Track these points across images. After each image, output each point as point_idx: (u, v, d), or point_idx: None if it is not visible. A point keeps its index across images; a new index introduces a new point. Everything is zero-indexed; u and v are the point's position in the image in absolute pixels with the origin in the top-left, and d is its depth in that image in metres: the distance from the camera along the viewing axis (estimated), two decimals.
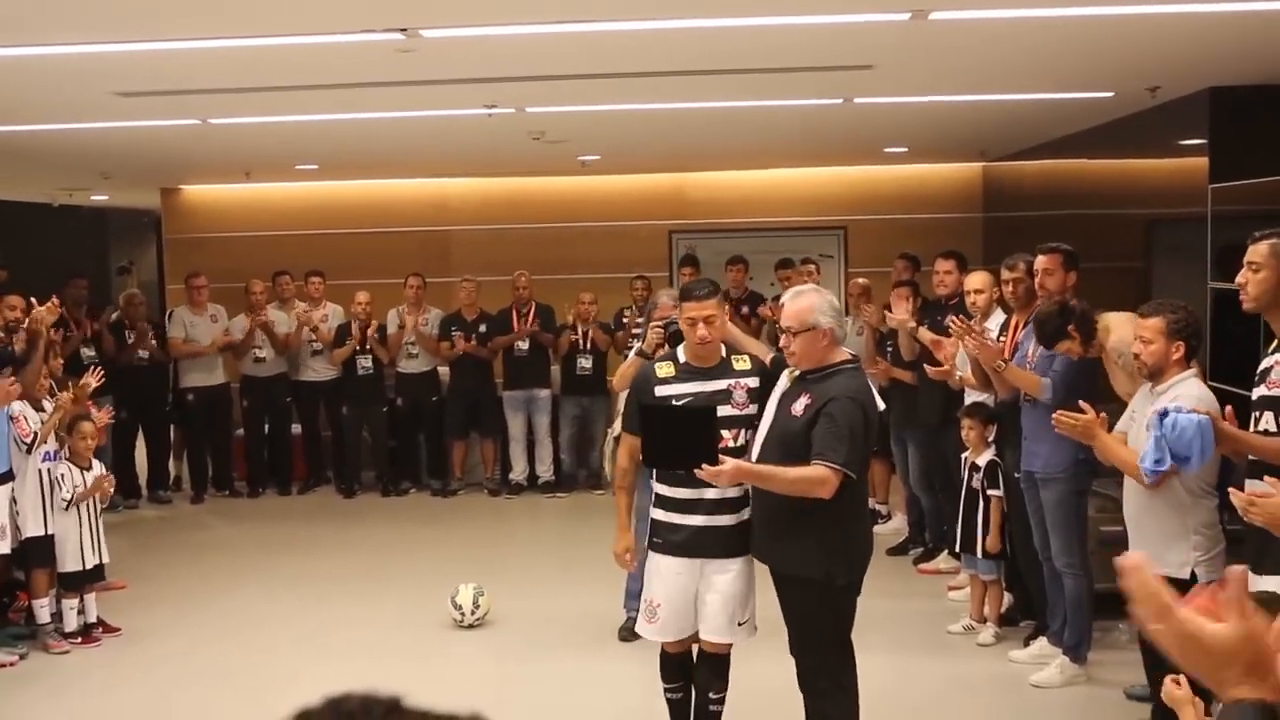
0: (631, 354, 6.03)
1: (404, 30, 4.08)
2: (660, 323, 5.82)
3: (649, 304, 6.24)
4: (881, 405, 4.79)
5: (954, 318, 6.09)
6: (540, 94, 5.98)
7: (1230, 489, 3.95)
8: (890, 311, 7.63)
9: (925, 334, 6.99)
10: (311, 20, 4.00)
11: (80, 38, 4.46)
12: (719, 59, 5.06)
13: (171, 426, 10.52)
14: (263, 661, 6.23)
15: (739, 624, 4.37)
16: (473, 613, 6.49)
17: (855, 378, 4.10)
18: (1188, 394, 4.37)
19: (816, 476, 3.90)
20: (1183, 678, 3.52)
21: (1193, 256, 6.41)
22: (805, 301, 4.11)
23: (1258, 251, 4.11)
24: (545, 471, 10.30)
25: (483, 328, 10.09)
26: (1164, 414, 4.23)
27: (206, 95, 5.59)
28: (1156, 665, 4.49)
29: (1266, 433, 4.05)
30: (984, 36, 4.73)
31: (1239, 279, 4.19)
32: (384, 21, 4.00)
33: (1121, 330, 5.08)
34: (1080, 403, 4.64)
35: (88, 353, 9.56)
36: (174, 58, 4.65)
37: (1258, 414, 4.10)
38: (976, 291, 6.62)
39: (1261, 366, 4.12)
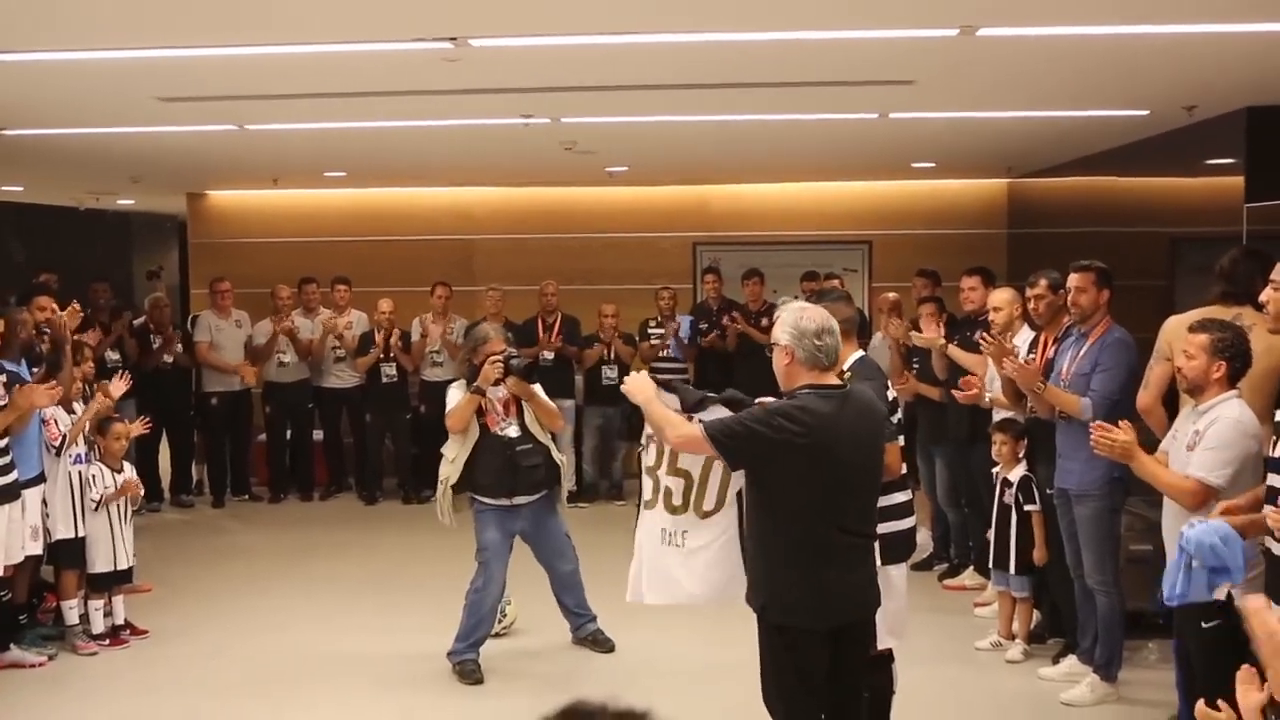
0: (457, 390, 6.03)
1: (454, 39, 4.10)
2: (499, 357, 5.86)
3: (473, 337, 6.20)
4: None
5: (985, 336, 6.08)
6: (577, 104, 6.00)
7: (1268, 508, 3.92)
8: (918, 329, 7.64)
9: (956, 352, 6.98)
10: (362, 28, 4.03)
11: (127, 42, 4.49)
12: (761, 72, 5.07)
13: (194, 431, 10.55)
14: (290, 665, 6.25)
15: None
16: (499, 621, 6.49)
17: (807, 399, 3.77)
18: (1228, 415, 4.36)
19: (675, 422, 3.94)
20: (1222, 703, 3.52)
21: None
22: (779, 317, 4.01)
23: None
24: (568, 482, 10.27)
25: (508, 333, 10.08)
26: (1181, 542, 3.93)
27: (247, 101, 5.63)
28: (1190, 687, 4.48)
29: None
30: (1026, 53, 4.74)
31: (1263, 298, 4.18)
32: (434, 30, 4.02)
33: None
34: (1121, 422, 4.62)
35: (112, 356, 9.62)
36: (219, 63, 4.68)
37: (1276, 438, 4.07)
38: (996, 309, 6.61)
39: None
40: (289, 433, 10.60)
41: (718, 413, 4.15)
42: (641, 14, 4.02)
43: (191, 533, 9.54)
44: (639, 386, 4.13)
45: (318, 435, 10.68)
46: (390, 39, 4.13)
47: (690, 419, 4.06)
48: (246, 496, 10.55)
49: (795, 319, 3.85)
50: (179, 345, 10.14)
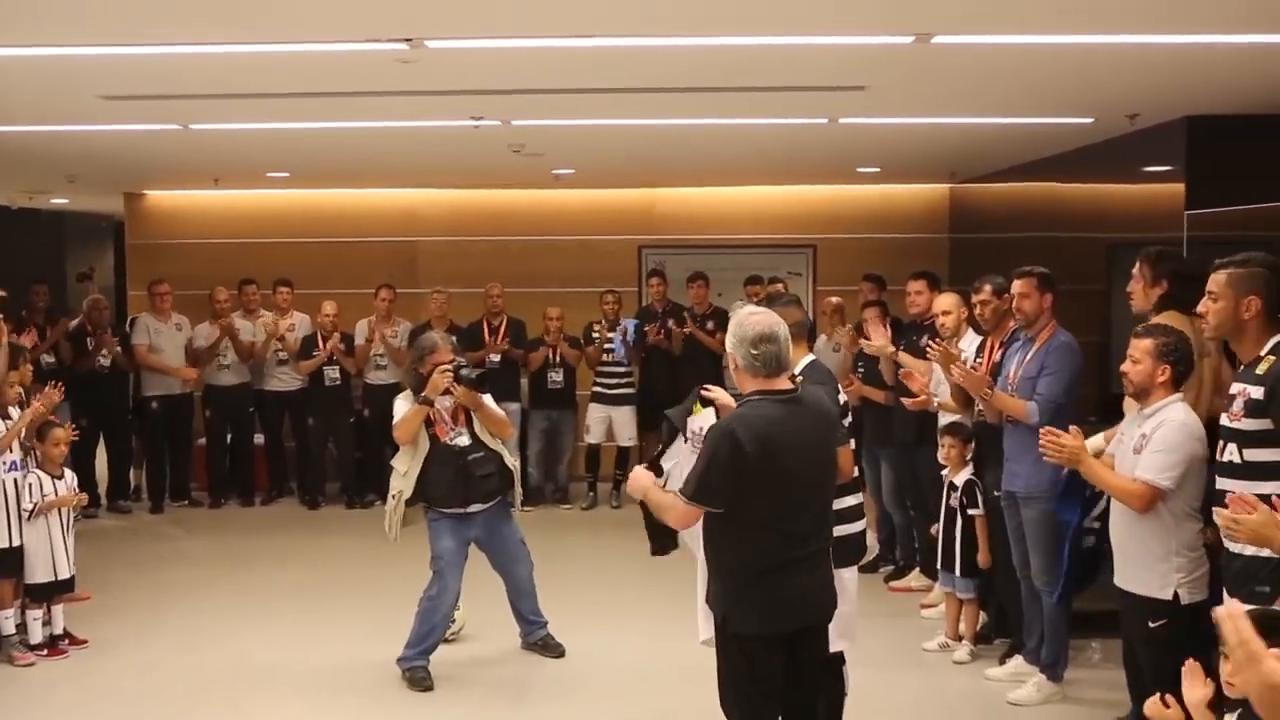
0: (404, 400, 6.00)
1: (409, 41, 4.07)
2: (448, 367, 5.84)
3: (419, 346, 6.17)
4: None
5: (932, 344, 6.15)
6: (528, 107, 5.97)
7: (1215, 509, 3.99)
8: (862, 332, 7.71)
9: (905, 358, 7.04)
10: (317, 28, 3.98)
11: (71, 39, 4.39)
12: (716, 77, 5.08)
13: (133, 435, 10.37)
14: (234, 675, 6.15)
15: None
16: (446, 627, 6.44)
17: (753, 407, 3.81)
18: (1174, 418, 4.44)
19: (668, 503, 3.95)
20: (1170, 698, 3.58)
21: None
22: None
23: (1216, 281, 4.19)
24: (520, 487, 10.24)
25: (455, 339, 10.03)
26: None
27: (193, 100, 5.54)
28: (1139, 687, 4.56)
29: (1230, 464, 4.11)
30: (978, 60, 4.80)
31: (1200, 308, 4.27)
32: (390, 31, 3.98)
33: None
34: (1071, 427, 4.69)
35: (48, 359, 9.45)
36: (168, 62, 4.60)
37: (1222, 443, 4.16)
38: (944, 313, 6.68)
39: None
40: (229, 437, 10.46)
41: (675, 455, 4.22)
42: (599, 18, 4.02)
43: (130, 539, 9.38)
44: (637, 484, 4.12)
45: (259, 439, 10.55)
46: (345, 39, 4.09)
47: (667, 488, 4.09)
48: (186, 502, 10.41)
49: (738, 326, 3.87)
50: (118, 347, 9.97)
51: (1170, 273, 5.10)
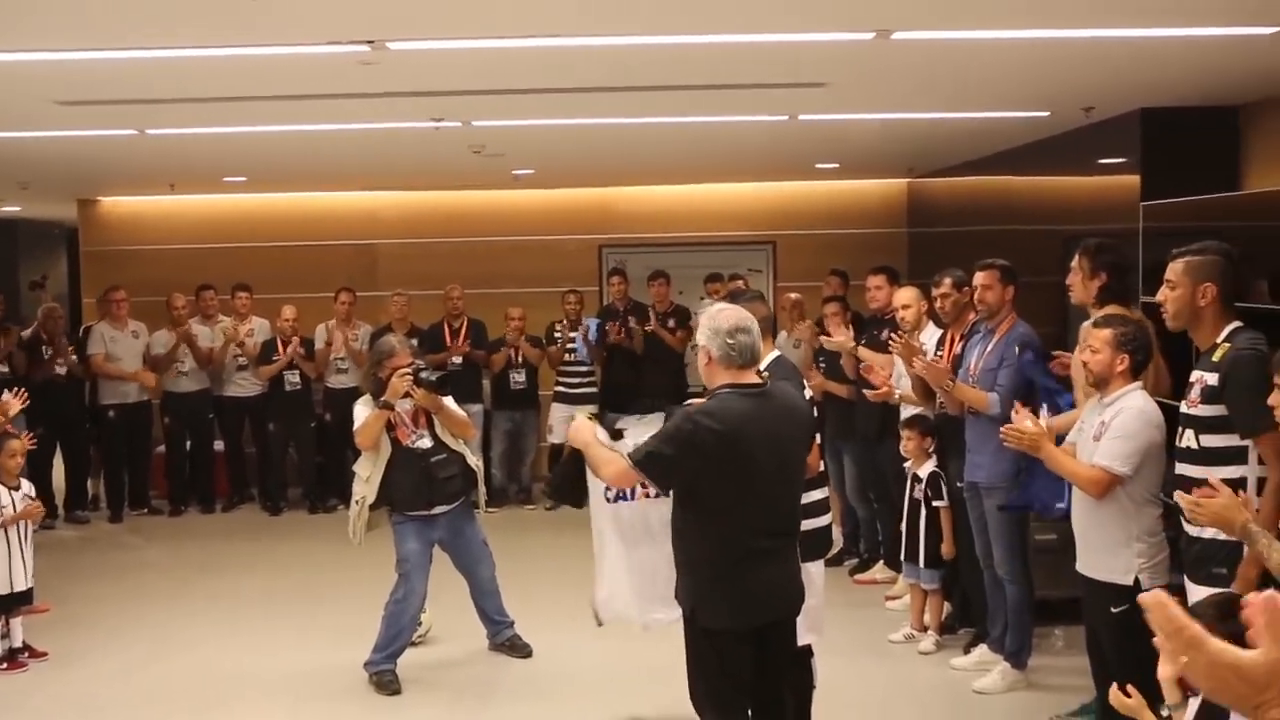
0: (363, 406, 6.00)
1: (371, 43, 4.05)
2: (408, 370, 5.85)
3: (378, 351, 6.17)
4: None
5: (893, 337, 6.20)
6: (489, 108, 5.96)
7: (1177, 493, 4.06)
8: (823, 328, 7.76)
9: (866, 353, 7.09)
10: (278, 31, 3.95)
11: (26, 44, 4.34)
12: (677, 75, 5.10)
13: (90, 444, 10.25)
14: (198, 685, 6.10)
15: None
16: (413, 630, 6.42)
17: (722, 400, 3.83)
18: (1133, 405, 4.50)
19: (608, 458, 3.99)
20: (1131, 687, 3.63)
21: None
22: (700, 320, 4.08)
23: (1174, 269, 4.26)
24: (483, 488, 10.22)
25: (415, 342, 9.99)
26: None
27: (151, 105, 5.48)
28: (1103, 674, 4.62)
29: (1189, 450, 4.19)
30: (937, 55, 4.84)
31: (1159, 296, 4.34)
32: (352, 33, 3.97)
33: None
34: (1029, 416, 4.74)
35: (1, 370, 9.32)
36: (125, 66, 4.55)
37: (1181, 430, 4.23)
38: (904, 307, 6.74)
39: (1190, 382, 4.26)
40: (189, 444, 10.37)
41: (644, 434, 4.23)
42: (560, 18, 4.02)
43: (90, 549, 9.27)
44: (579, 432, 4.14)
45: (219, 446, 10.46)
46: (306, 42, 4.07)
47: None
48: (145, 510, 10.29)
49: (711, 318, 3.92)
50: (73, 355, 9.85)
51: (1109, 265, 5.17)
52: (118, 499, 10.16)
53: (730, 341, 3.82)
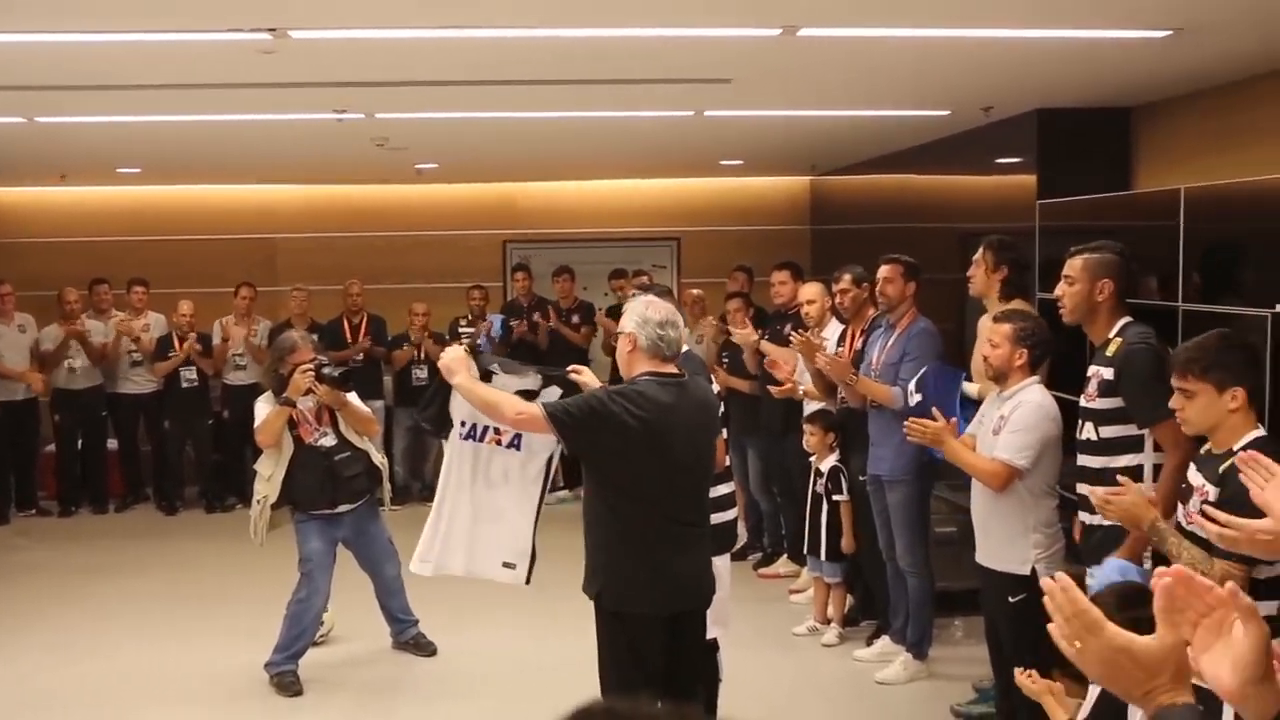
0: (265, 403, 5.93)
1: (272, 30, 3.97)
2: (310, 366, 5.80)
3: (279, 347, 6.11)
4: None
5: (796, 334, 6.27)
6: (392, 100, 5.88)
7: (1087, 486, 4.16)
8: (726, 323, 7.82)
9: (769, 347, 7.15)
10: (175, 17, 3.84)
11: None
12: (580, 69, 5.08)
13: None
14: (93, 690, 5.94)
15: None
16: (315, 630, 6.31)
17: (644, 385, 3.86)
18: (1031, 400, 4.60)
19: (518, 401, 3.98)
20: (1033, 671, 3.72)
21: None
22: (627, 309, 4.11)
23: (1072, 266, 4.39)
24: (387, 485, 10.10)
25: (315, 338, 9.84)
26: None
27: (39, 92, 5.30)
28: (1001, 661, 4.72)
29: (1088, 441, 4.31)
30: (840, 53, 4.89)
31: (1057, 292, 4.46)
32: (253, 21, 3.88)
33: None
34: (934, 410, 4.83)
35: None
36: (12, 51, 4.40)
37: (1080, 422, 4.35)
38: (809, 302, 6.82)
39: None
40: (80, 442, 10.07)
41: (554, 395, 4.21)
42: (464, 9, 3.97)
43: None
44: (452, 363, 4.07)
45: (112, 444, 10.18)
46: (204, 29, 3.96)
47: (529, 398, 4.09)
48: (34, 511, 9.97)
49: (642, 309, 3.96)
50: None
51: (1010, 260, 5.35)
52: (3, 499, 9.82)
53: (660, 333, 3.88)
